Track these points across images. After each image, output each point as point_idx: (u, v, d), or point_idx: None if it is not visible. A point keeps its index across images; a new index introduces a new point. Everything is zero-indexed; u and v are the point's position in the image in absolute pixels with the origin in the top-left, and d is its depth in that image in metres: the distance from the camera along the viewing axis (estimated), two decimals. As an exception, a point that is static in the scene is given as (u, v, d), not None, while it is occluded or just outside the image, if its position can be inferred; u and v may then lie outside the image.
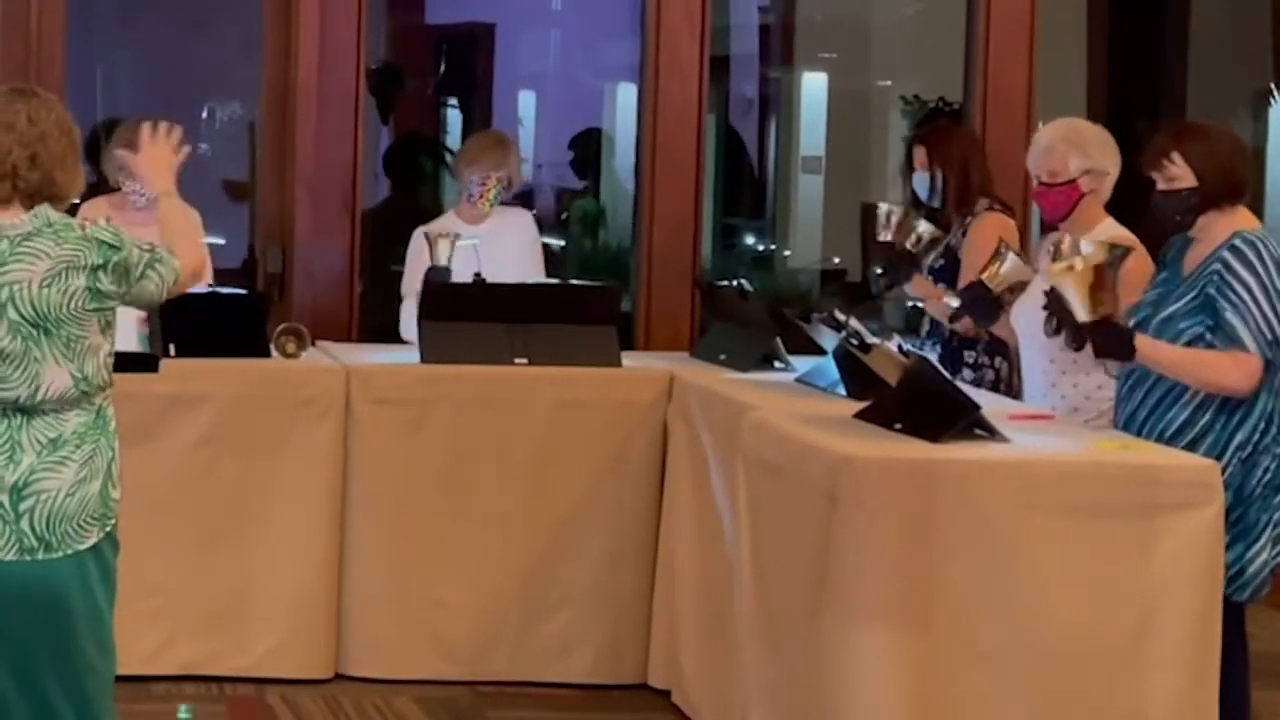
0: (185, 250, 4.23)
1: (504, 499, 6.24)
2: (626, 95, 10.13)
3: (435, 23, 11.61)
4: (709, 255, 9.24)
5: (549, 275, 7.05)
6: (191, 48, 9.67)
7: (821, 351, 5.98)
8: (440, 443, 6.21)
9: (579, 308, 6.48)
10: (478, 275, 6.53)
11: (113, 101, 9.61)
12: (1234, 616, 4.85)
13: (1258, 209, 8.35)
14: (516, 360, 6.32)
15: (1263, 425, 4.95)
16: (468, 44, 11.59)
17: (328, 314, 7.28)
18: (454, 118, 11.55)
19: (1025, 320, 5.53)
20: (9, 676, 3.99)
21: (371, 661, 6.25)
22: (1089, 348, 5.01)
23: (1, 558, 3.95)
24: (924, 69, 10.28)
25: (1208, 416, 4.96)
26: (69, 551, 3.98)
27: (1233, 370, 4.89)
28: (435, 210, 7.99)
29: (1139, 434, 5.05)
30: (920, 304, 6.61)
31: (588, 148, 10.74)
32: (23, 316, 3.95)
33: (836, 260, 10.88)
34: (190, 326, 6.10)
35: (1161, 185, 5.05)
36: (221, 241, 8.03)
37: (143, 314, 5.92)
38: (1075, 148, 5.58)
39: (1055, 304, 5.05)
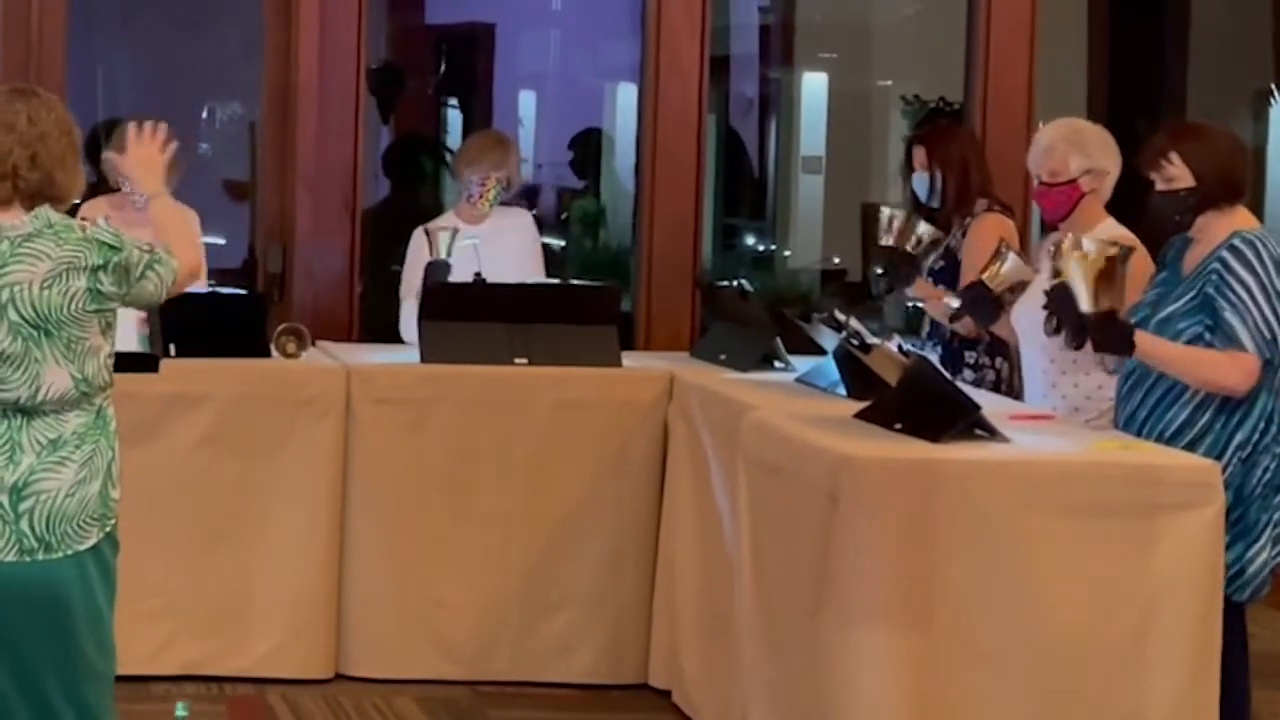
0: (182, 250, 4.22)
1: (504, 499, 6.24)
2: (626, 95, 10.12)
3: (435, 23, 11.60)
4: (709, 255, 9.23)
5: (549, 275, 7.05)
6: (192, 48, 9.67)
7: (822, 351, 5.98)
8: (440, 443, 6.21)
9: (579, 308, 6.48)
10: (478, 275, 6.53)
11: (113, 102, 9.61)
12: (1234, 616, 4.85)
13: (1258, 209, 8.36)
14: (517, 360, 6.32)
15: (1262, 425, 4.94)
16: (468, 44, 11.58)
17: (328, 314, 7.27)
18: (454, 118, 11.54)
19: (1026, 320, 5.53)
20: (9, 677, 3.99)
21: (372, 661, 6.25)
22: (1089, 345, 5.01)
23: (1, 558, 3.95)
24: (924, 69, 10.27)
25: (1208, 416, 4.96)
26: (69, 552, 3.98)
27: (1231, 369, 4.89)
28: (435, 210, 7.98)
29: (1139, 434, 5.04)
30: (921, 304, 6.61)
31: (588, 148, 10.72)
32: (23, 318, 3.95)
33: (837, 260, 10.87)
34: (190, 326, 6.10)
35: (1160, 185, 5.05)
36: (222, 241, 8.04)
37: (143, 314, 5.92)
38: (1076, 147, 5.58)
39: (1056, 302, 5.04)
